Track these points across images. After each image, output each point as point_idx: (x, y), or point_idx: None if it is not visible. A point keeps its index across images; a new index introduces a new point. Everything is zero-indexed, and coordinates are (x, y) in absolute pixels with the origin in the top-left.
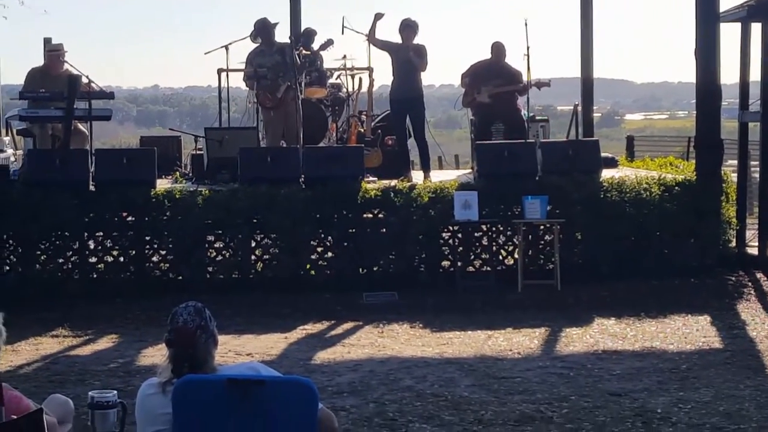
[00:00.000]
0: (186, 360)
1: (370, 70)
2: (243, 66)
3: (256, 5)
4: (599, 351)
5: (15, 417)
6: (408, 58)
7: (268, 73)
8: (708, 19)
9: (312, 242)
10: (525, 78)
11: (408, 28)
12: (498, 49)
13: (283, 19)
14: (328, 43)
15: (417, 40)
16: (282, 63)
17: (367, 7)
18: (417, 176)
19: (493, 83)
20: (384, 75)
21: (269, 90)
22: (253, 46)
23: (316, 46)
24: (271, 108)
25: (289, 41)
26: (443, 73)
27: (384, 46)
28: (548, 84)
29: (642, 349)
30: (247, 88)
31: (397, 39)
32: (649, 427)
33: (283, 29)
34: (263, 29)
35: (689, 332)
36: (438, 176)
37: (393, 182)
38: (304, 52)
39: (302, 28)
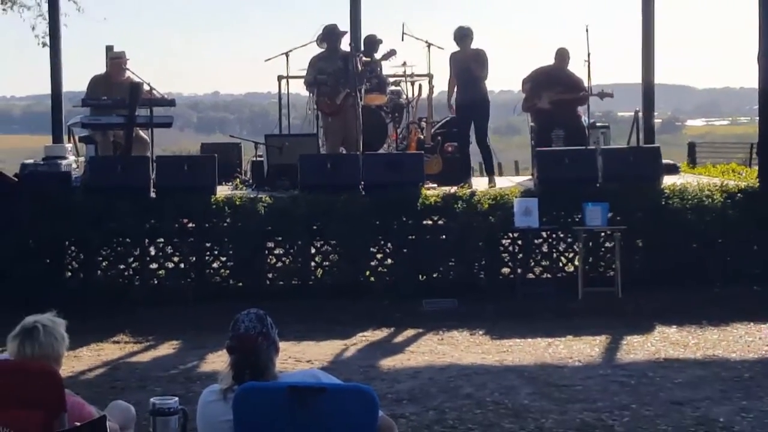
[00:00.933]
0: (247, 367)
1: (429, 76)
2: (303, 73)
3: (317, 12)
4: (661, 359)
5: (78, 424)
6: (468, 66)
7: (329, 80)
8: None
9: (371, 249)
10: (585, 85)
11: (464, 36)
12: (562, 55)
13: (343, 24)
14: (391, 53)
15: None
16: (344, 70)
17: (428, 14)
18: (476, 183)
19: (554, 90)
20: (444, 82)
21: (329, 96)
22: (317, 51)
23: (378, 54)
24: (330, 114)
25: (350, 48)
26: (503, 79)
27: (453, 68)
28: (611, 95)
29: (704, 358)
30: (307, 94)
31: (453, 46)
32: None
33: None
34: (331, 35)
35: (752, 340)
36: (498, 183)
37: (453, 189)
38: (364, 59)
39: (362, 34)
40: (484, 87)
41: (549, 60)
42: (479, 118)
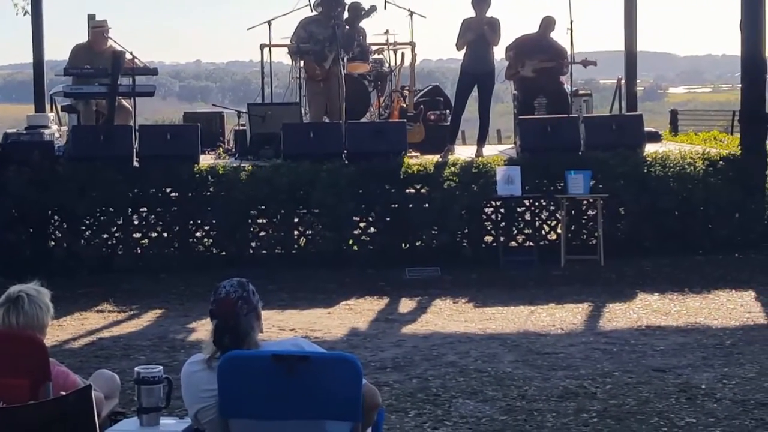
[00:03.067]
0: (227, 332)
1: (412, 45)
2: (285, 41)
3: None
4: (643, 326)
5: (63, 393)
6: (482, 32)
7: (317, 45)
8: None
9: (355, 218)
10: (568, 52)
11: (481, 2)
12: (547, 23)
13: None
14: (372, 9)
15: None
16: (333, 37)
17: None
18: (459, 150)
19: (538, 57)
20: (426, 50)
21: (317, 61)
22: (299, 17)
23: (363, 23)
24: (321, 80)
25: (317, 15)
26: None
27: (462, 35)
28: (594, 63)
29: (686, 325)
30: (290, 63)
31: (469, 11)
32: (693, 403)
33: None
34: (330, 2)
35: (734, 308)
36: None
37: (435, 157)
38: (347, 27)
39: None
40: (492, 56)
41: (531, 28)
42: (486, 86)
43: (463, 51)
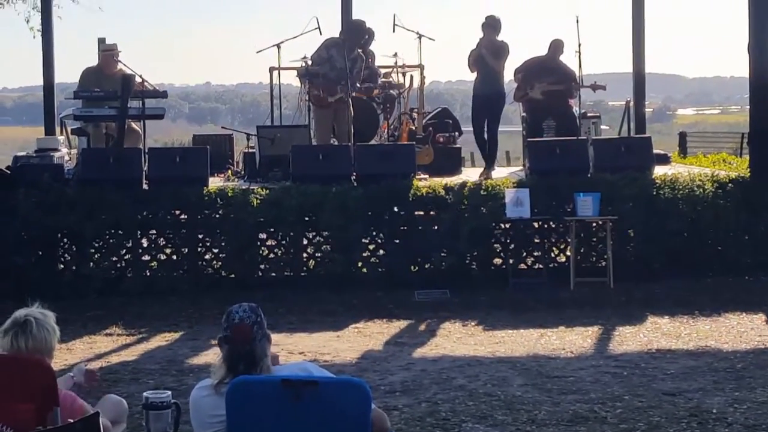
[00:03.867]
0: (242, 358)
1: (420, 67)
2: (295, 64)
3: (308, 3)
4: (653, 350)
5: (71, 420)
6: (481, 55)
7: (332, 72)
8: (761, 13)
9: (363, 240)
10: (577, 74)
11: (488, 26)
12: (556, 46)
13: (335, 15)
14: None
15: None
16: (351, 70)
17: (418, 3)
18: (468, 173)
19: (547, 80)
20: (435, 72)
21: (324, 89)
22: (306, 43)
23: (372, 46)
24: (323, 106)
25: (341, 41)
26: None
27: (473, 58)
28: (604, 87)
29: (696, 348)
30: (300, 85)
31: (476, 34)
32: (704, 428)
33: (334, 25)
34: (358, 32)
35: (744, 331)
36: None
37: (445, 179)
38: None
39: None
40: (498, 79)
41: (540, 51)
42: (492, 109)
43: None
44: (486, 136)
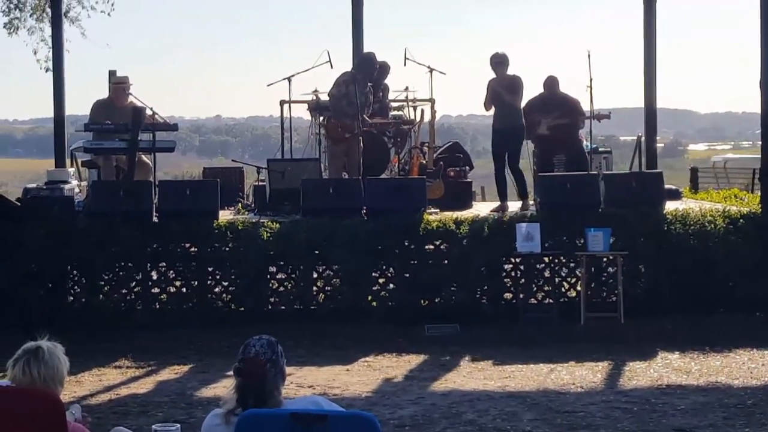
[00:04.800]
0: (252, 392)
1: (431, 101)
2: (305, 97)
3: (319, 37)
4: (663, 385)
5: None
6: (497, 92)
7: (350, 107)
8: None
9: (374, 273)
10: (585, 107)
11: (497, 64)
12: (552, 82)
13: (346, 48)
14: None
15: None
16: (362, 105)
17: (429, 37)
18: (480, 207)
19: (551, 115)
20: (446, 106)
21: (343, 126)
22: (316, 77)
23: (388, 79)
24: (338, 141)
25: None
26: None
27: (487, 96)
28: (608, 116)
29: (707, 384)
30: (310, 119)
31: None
32: None
33: (346, 59)
34: (371, 67)
35: (755, 367)
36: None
37: (455, 213)
38: (368, 84)
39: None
40: (517, 114)
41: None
42: (512, 144)
43: (492, 110)
44: (508, 172)
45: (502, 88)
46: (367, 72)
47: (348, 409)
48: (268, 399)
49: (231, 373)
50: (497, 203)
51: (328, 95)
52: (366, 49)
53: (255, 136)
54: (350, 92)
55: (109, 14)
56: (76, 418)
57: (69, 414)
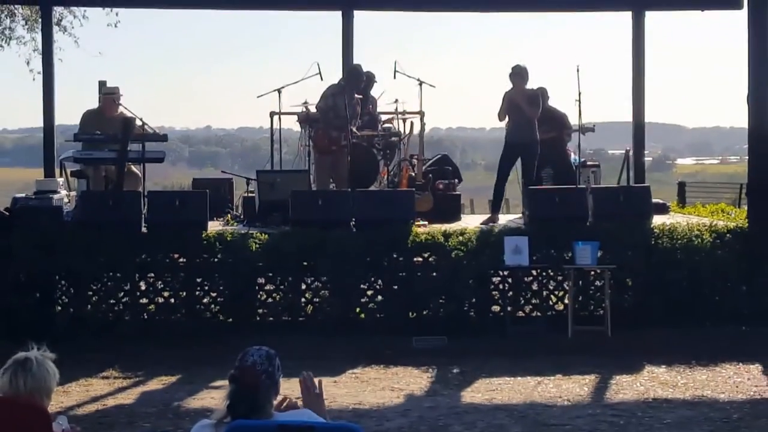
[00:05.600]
0: (244, 401)
1: (421, 114)
2: (295, 109)
3: (309, 49)
4: (650, 399)
5: None
6: (517, 104)
7: (337, 120)
8: (760, 65)
9: (362, 285)
10: (574, 121)
11: (516, 75)
12: (540, 94)
13: (336, 61)
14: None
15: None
16: (350, 116)
17: (418, 50)
18: (469, 219)
19: (540, 129)
20: (435, 119)
21: (330, 138)
22: (306, 88)
23: (373, 92)
24: (325, 152)
25: (343, 88)
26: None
27: (502, 107)
28: (592, 129)
29: (693, 398)
30: (300, 130)
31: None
32: None
33: (336, 70)
34: (358, 78)
35: (741, 381)
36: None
37: (444, 226)
38: (357, 96)
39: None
40: (533, 127)
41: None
42: (528, 157)
43: (505, 122)
44: (523, 182)
45: (524, 101)
46: (354, 83)
47: (335, 421)
48: (260, 410)
49: (219, 384)
50: (486, 215)
51: (316, 108)
52: (356, 61)
53: (245, 148)
54: (338, 104)
55: (115, 25)
56: (64, 429)
57: (56, 425)
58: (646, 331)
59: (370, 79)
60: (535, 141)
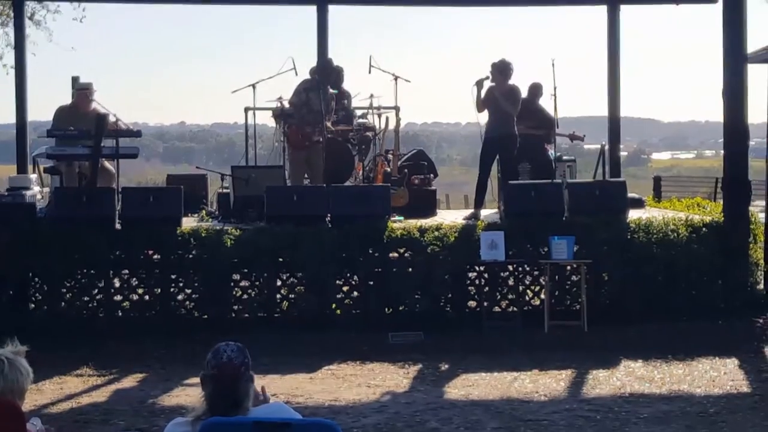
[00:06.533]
0: (226, 397)
1: (396, 109)
2: (269, 104)
3: (283, 44)
4: (626, 394)
5: None
6: (495, 98)
7: (310, 115)
8: (736, 60)
9: (338, 281)
10: (554, 118)
11: (498, 71)
12: (535, 89)
13: (311, 56)
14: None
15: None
16: (324, 111)
17: (393, 44)
18: (445, 214)
19: (525, 123)
20: (410, 114)
21: (304, 133)
22: (281, 82)
23: (349, 87)
24: (299, 148)
25: (315, 80)
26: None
27: (485, 100)
28: (582, 138)
29: (669, 393)
30: (275, 126)
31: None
32: None
33: (310, 65)
34: (330, 72)
35: (717, 375)
36: (464, 214)
37: (419, 221)
38: (331, 91)
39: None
40: (512, 122)
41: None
42: (505, 152)
43: (481, 116)
44: (500, 177)
45: (503, 96)
46: (326, 78)
47: (311, 417)
48: (241, 405)
49: (193, 382)
50: (462, 211)
51: (289, 103)
52: (330, 56)
53: (219, 143)
54: (311, 99)
55: (81, 20)
56: (38, 430)
57: (30, 425)
58: (622, 326)
59: (338, 73)
60: (513, 135)
